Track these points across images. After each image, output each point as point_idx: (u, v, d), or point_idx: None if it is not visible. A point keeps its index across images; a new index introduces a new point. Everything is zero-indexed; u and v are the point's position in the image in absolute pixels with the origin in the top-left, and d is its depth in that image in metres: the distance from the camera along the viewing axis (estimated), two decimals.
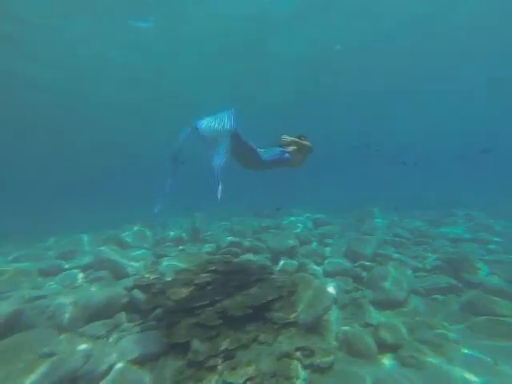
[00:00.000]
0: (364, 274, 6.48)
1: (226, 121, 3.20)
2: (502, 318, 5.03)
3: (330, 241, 8.86)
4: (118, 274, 5.67)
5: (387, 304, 5.59)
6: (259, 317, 4.59)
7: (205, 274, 5.51)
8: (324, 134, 21.52)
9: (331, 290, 5.71)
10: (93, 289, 4.57)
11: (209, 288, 5.07)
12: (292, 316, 4.61)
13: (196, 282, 5.21)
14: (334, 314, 5.18)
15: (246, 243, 7.85)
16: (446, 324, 5.03)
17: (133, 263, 6.12)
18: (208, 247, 8.46)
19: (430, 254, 7.70)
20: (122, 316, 4.29)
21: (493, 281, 6.28)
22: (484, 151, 14.20)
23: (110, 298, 4.38)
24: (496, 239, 9.32)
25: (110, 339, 3.52)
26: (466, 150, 17.43)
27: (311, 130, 4.89)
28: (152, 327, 4.10)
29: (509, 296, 5.82)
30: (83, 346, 3.11)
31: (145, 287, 4.87)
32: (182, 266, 6.04)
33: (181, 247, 8.76)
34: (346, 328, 4.83)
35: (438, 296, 6.04)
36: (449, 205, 14.46)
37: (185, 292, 4.92)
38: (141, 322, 4.22)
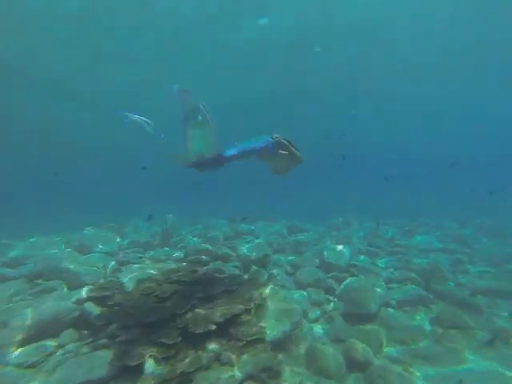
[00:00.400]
0: (336, 285, 6.32)
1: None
2: (467, 331, 5.02)
3: (304, 249, 8.68)
4: (73, 283, 5.12)
5: (359, 317, 5.44)
6: (223, 332, 4.29)
7: (168, 285, 5.14)
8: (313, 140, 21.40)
9: (302, 302, 5.48)
10: (36, 303, 4.03)
11: (171, 300, 4.71)
12: (259, 332, 4.34)
13: (158, 293, 4.83)
14: (303, 329, 4.95)
15: (216, 250, 7.51)
16: (415, 338, 4.95)
17: (91, 271, 5.60)
18: (177, 253, 8.03)
19: (402, 265, 7.69)
20: (70, 334, 3.81)
21: (459, 292, 6.40)
22: (453, 164, 14.73)
23: (57, 313, 3.87)
24: (463, 249, 9.57)
25: (46, 366, 3.06)
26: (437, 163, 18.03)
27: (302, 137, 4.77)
28: (103, 346, 3.68)
29: (472, 307, 5.92)
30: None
31: (100, 299, 4.42)
32: (145, 274, 5.63)
33: (148, 253, 8.27)
34: (316, 344, 4.61)
35: (409, 308, 5.98)
36: (422, 214, 14.85)
37: (144, 305, 4.53)
38: (91, 340, 3.78)
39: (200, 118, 3.43)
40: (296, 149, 4.18)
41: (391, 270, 7.39)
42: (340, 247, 7.60)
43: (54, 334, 3.72)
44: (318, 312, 5.61)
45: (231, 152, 3.89)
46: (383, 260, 8.19)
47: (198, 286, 5.13)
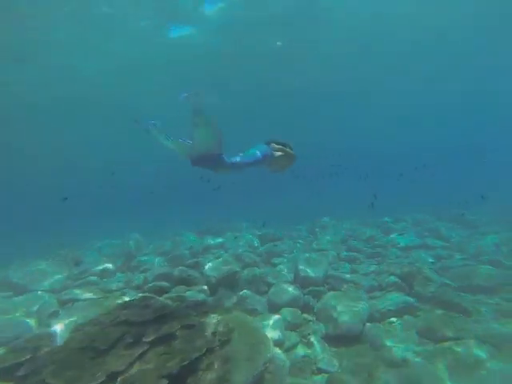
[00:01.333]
0: (315, 302, 5.61)
1: None
2: (459, 342, 4.46)
3: (278, 260, 7.95)
4: None
5: (342, 339, 4.77)
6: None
7: (114, 328, 4.19)
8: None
9: (276, 329, 4.69)
10: None
11: (114, 350, 3.78)
12: (224, 379, 3.52)
13: (96, 343, 3.87)
14: (279, 363, 4.18)
15: (180, 273, 6.60)
16: (405, 359, 4.32)
17: (13, 322, 4.50)
18: (136, 280, 7.02)
19: (383, 268, 7.15)
20: None
21: (443, 293, 5.98)
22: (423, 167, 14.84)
23: None
24: (442, 243, 9.30)
25: None
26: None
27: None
28: None
29: (458, 308, 5.53)
30: None
31: (7, 370, 3.34)
32: (86, 317, 4.62)
33: (102, 283, 7.18)
34: (294, 381, 3.87)
35: (394, 319, 5.40)
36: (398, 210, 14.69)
37: (73, 365, 3.55)
38: None
39: (204, 118, 3.50)
40: (290, 148, 4.41)
41: (372, 275, 6.82)
42: (316, 256, 6.93)
43: None
44: (296, 337, 4.86)
45: (234, 159, 3.94)
46: (363, 265, 7.62)
47: (150, 326, 4.21)
